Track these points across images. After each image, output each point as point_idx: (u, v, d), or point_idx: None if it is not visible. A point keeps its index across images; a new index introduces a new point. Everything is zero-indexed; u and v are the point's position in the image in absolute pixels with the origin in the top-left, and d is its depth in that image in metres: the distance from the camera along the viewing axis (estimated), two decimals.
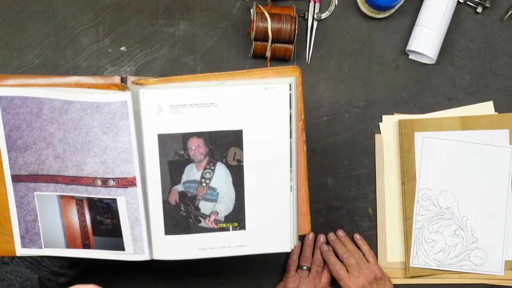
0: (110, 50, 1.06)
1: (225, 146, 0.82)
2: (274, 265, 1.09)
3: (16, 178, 0.84)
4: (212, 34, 1.07)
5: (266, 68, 0.83)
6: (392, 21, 1.08)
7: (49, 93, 0.80)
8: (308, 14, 1.07)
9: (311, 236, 1.08)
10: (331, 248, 1.07)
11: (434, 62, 1.07)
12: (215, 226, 0.85)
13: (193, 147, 0.81)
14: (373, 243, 1.08)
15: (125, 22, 1.06)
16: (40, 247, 0.86)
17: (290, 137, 0.82)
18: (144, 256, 0.85)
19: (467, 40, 1.09)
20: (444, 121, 1.07)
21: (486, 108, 1.08)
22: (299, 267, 1.06)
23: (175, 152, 0.81)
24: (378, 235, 1.08)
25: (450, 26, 1.06)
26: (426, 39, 1.04)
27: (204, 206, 0.84)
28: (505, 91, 1.09)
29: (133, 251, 0.84)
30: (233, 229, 0.85)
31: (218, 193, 0.84)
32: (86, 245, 0.85)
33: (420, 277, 1.08)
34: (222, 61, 1.07)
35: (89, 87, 0.81)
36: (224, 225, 0.85)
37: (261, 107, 0.81)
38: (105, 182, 0.81)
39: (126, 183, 0.81)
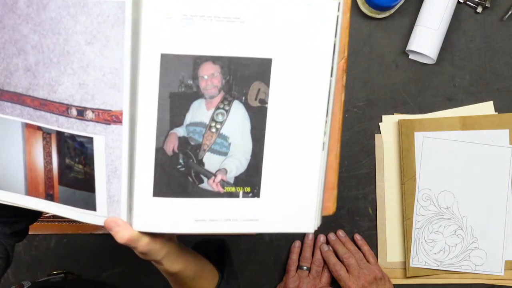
0: None
1: (247, 79, 0.62)
2: (274, 265, 1.09)
3: None
4: None
5: None
6: (392, 21, 1.08)
7: None
8: None
9: (311, 236, 1.08)
10: (331, 248, 1.07)
11: (434, 62, 1.07)
12: (221, 190, 0.64)
13: (206, 77, 0.62)
14: (373, 243, 1.08)
15: None
16: None
17: (331, 75, 0.64)
18: None
19: (467, 40, 1.09)
20: (444, 121, 1.07)
21: (486, 108, 1.08)
22: (299, 267, 1.06)
23: (181, 81, 0.61)
24: (378, 235, 1.08)
25: (450, 26, 1.06)
26: (426, 39, 1.04)
27: (210, 161, 0.64)
28: (505, 91, 1.09)
29: (106, 213, 0.64)
30: (243, 196, 0.65)
31: (230, 144, 0.64)
32: (49, 196, 0.67)
33: (420, 277, 1.08)
34: None
35: None
36: (233, 189, 0.65)
37: (300, 30, 0.62)
38: (81, 112, 0.62)
39: (109, 118, 0.62)
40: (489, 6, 1.07)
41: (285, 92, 0.63)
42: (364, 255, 1.06)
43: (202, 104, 0.62)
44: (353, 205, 1.09)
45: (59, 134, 0.64)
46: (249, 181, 0.65)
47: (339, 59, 0.65)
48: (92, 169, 0.64)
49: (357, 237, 1.08)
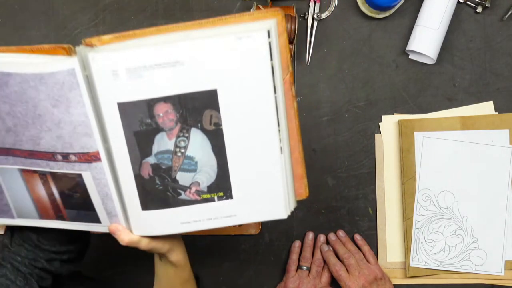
0: None
1: (198, 109, 0.70)
2: (274, 265, 1.09)
3: None
4: None
5: (242, 13, 0.69)
6: (392, 21, 1.08)
7: None
8: (308, 14, 1.07)
9: (311, 236, 1.08)
10: (331, 248, 1.07)
11: (434, 62, 1.07)
12: (198, 198, 0.75)
13: (161, 114, 0.70)
14: (373, 243, 1.08)
15: (125, 22, 1.06)
16: (13, 217, 0.81)
17: (275, 92, 0.70)
18: None
19: (467, 40, 1.09)
20: (444, 121, 1.07)
21: (486, 108, 1.08)
22: (299, 267, 1.06)
23: (140, 121, 0.70)
24: (378, 235, 1.08)
25: (450, 26, 1.06)
26: (426, 39, 1.04)
27: (183, 177, 0.74)
28: (505, 91, 1.09)
29: (109, 223, 0.78)
30: (218, 199, 0.75)
31: (196, 162, 0.74)
32: (60, 217, 0.79)
33: (420, 277, 1.08)
34: None
35: (32, 51, 0.69)
36: (208, 195, 0.75)
37: (236, 61, 0.68)
38: (65, 157, 0.73)
39: (89, 158, 0.73)
40: (489, 6, 1.07)
41: (235, 114, 0.71)
42: (364, 255, 1.06)
43: (164, 136, 0.72)
44: (353, 205, 1.09)
45: (53, 173, 0.75)
46: (221, 187, 0.74)
47: (284, 75, 0.71)
48: (88, 195, 0.75)
49: (357, 237, 1.08)
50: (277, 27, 0.69)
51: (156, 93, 0.69)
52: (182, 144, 0.73)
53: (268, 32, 0.67)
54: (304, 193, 0.78)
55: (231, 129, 0.72)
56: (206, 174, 0.75)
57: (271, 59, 0.68)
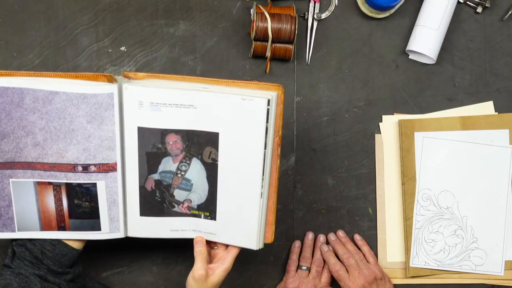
0: (110, 50, 1.06)
1: (201, 144, 0.86)
2: (274, 265, 1.09)
3: None
4: (212, 34, 1.07)
5: (251, 81, 0.86)
6: (392, 21, 1.08)
7: (32, 84, 0.80)
8: (308, 14, 1.07)
9: (310, 236, 1.08)
10: (331, 248, 1.07)
11: (434, 62, 1.07)
12: (188, 212, 0.90)
13: (171, 142, 0.86)
14: (373, 243, 1.08)
15: (125, 22, 1.06)
16: (13, 231, 0.88)
17: (265, 148, 0.85)
18: (119, 234, 0.90)
19: (467, 40, 1.09)
20: (444, 121, 1.07)
21: (486, 108, 1.08)
22: (299, 267, 1.06)
23: (153, 145, 0.86)
24: (378, 235, 1.08)
25: (450, 26, 1.06)
26: (426, 39, 1.04)
27: (179, 194, 0.89)
28: (505, 91, 1.09)
29: (109, 230, 0.89)
30: (204, 218, 0.90)
31: (192, 184, 0.89)
32: (61, 227, 0.88)
33: (420, 277, 1.08)
34: (222, 61, 1.07)
35: (76, 77, 0.83)
36: (196, 212, 0.90)
37: (238, 116, 0.83)
38: (86, 168, 0.85)
39: (107, 168, 0.86)
40: (489, 6, 1.07)
41: (230, 156, 0.86)
42: (364, 255, 1.06)
43: (170, 160, 0.88)
44: (353, 205, 1.09)
45: (68, 184, 0.86)
46: (208, 209, 0.89)
47: (274, 136, 0.86)
48: (97, 203, 0.88)
49: (357, 237, 1.08)
50: (276, 99, 0.85)
51: (170, 125, 0.85)
52: (183, 168, 0.88)
53: (268, 100, 0.82)
54: (270, 238, 0.92)
55: (225, 166, 0.87)
56: (198, 195, 0.89)
57: (267, 122, 0.84)
